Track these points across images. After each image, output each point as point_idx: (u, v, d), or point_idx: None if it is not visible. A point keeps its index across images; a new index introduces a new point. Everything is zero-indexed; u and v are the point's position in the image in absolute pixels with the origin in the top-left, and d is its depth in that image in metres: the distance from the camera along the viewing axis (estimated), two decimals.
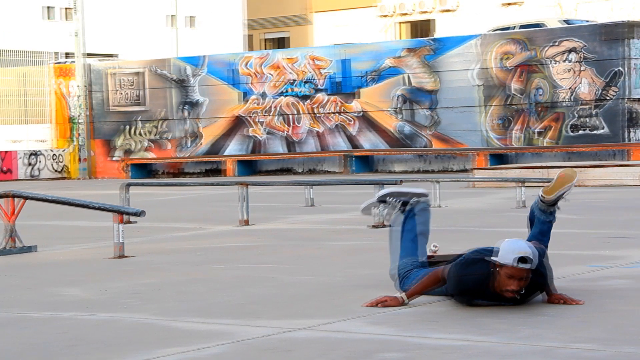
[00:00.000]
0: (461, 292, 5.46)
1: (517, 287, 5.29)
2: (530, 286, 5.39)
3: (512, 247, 5.30)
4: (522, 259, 5.24)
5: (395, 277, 5.99)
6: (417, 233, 6.08)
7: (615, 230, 9.00)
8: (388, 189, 6.21)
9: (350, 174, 21.76)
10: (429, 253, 6.31)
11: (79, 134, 25.44)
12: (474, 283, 5.38)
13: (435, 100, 21.52)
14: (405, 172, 21.86)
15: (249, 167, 23.55)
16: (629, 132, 19.67)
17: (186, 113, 24.52)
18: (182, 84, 24.54)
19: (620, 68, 19.64)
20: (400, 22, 44.38)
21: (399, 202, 6.14)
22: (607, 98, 19.79)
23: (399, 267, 6.00)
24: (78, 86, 25.25)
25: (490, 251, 5.47)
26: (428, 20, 43.47)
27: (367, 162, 22.29)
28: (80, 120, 25.33)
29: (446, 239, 8.75)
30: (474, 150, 20.65)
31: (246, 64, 23.78)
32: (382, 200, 6.20)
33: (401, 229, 6.08)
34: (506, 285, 5.29)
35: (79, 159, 25.50)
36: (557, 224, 10.01)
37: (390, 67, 22.04)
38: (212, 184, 13.64)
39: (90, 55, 28.87)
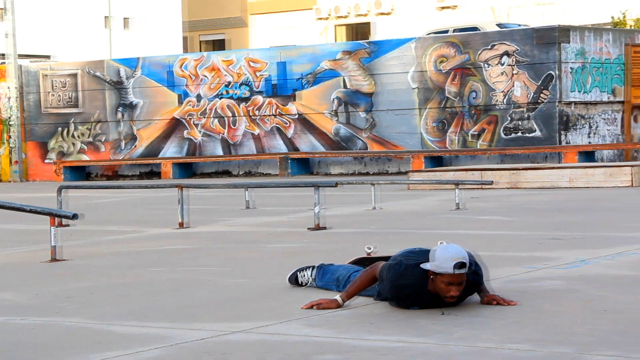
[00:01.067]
0: (397, 298, 5.48)
1: (457, 292, 5.33)
2: (467, 286, 5.44)
3: (447, 255, 5.28)
4: (460, 265, 5.27)
5: (338, 282, 6.05)
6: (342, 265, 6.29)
7: (548, 232, 9.13)
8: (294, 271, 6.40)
9: (288, 176, 21.76)
10: (364, 255, 6.35)
11: (9, 136, 25.06)
12: (410, 290, 5.40)
13: (372, 103, 21.63)
14: (343, 174, 21.93)
15: (186, 169, 23.43)
16: (562, 135, 19.97)
17: (121, 115, 24.31)
18: (117, 85, 24.32)
19: (553, 72, 19.92)
20: (337, 25, 44.51)
21: (309, 269, 6.35)
22: (541, 101, 20.06)
23: (339, 275, 6.06)
24: (9, 87, 24.87)
25: (422, 253, 5.49)
26: (365, 23, 43.68)
27: (304, 165, 22.31)
28: (11, 122, 24.94)
29: (383, 241, 8.80)
30: (410, 153, 20.79)
31: (182, 66, 23.64)
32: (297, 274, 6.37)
33: (328, 268, 6.29)
34: (446, 292, 5.32)
35: (11, 162, 25.11)
36: (490, 225, 10.14)
37: (327, 69, 22.09)
38: (148, 187, 13.52)
39: (24, 56, 28.46)
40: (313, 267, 6.31)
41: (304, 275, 6.32)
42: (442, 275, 5.28)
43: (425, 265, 5.34)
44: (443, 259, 5.27)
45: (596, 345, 4.51)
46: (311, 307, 5.57)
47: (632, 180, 14.76)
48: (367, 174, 21.62)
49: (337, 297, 5.62)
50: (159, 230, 10.70)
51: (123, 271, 7.58)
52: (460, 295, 5.42)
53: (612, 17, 33.31)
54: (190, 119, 23.54)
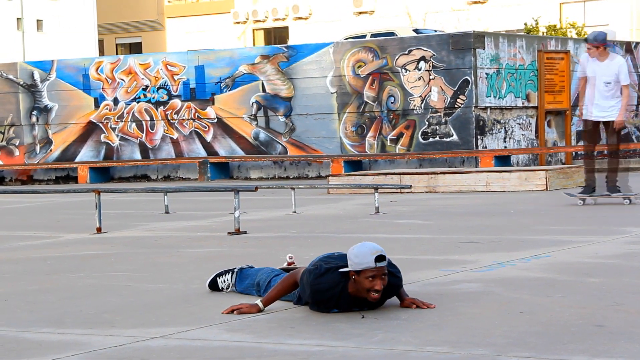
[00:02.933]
0: (317, 302, 5.50)
1: (381, 285, 5.37)
2: (387, 288, 5.49)
3: (364, 251, 5.34)
4: (380, 257, 5.32)
5: (259, 287, 6.04)
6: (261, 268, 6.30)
7: (465, 235, 9.25)
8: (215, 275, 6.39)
9: (207, 181, 21.65)
10: (284, 265, 6.36)
11: None
12: (330, 294, 5.43)
13: (291, 107, 21.66)
14: (262, 178, 21.90)
15: (103, 173, 23.13)
16: (478, 140, 20.26)
17: (36, 119, 23.90)
18: (31, 88, 23.90)
19: (469, 77, 20.20)
20: (254, 29, 44.46)
21: (228, 273, 6.32)
22: (457, 106, 20.32)
23: (259, 280, 6.06)
24: None
25: (340, 257, 5.53)
26: (282, 28, 43.72)
27: (224, 169, 22.21)
28: None
29: (303, 245, 8.82)
30: (329, 157, 20.87)
31: (98, 69, 23.35)
32: (217, 278, 6.35)
33: (247, 271, 6.28)
34: (371, 286, 5.36)
35: None
36: (409, 229, 10.24)
37: (245, 73, 22.04)
38: (64, 191, 13.32)
39: None
40: (233, 272, 6.29)
41: (224, 281, 6.30)
42: (364, 271, 5.32)
43: (344, 269, 5.38)
44: (362, 255, 5.32)
45: (512, 346, 4.59)
46: (231, 311, 5.55)
47: (546, 185, 15.05)
48: (287, 178, 21.64)
49: (258, 301, 5.61)
50: (75, 236, 10.55)
51: (38, 277, 7.45)
52: (381, 297, 5.46)
53: (525, 24, 33.93)
54: (107, 122, 23.26)
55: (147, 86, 22.93)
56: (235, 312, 5.53)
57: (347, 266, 5.40)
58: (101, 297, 6.42)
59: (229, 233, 10.07)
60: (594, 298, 5.76)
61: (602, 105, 11.55)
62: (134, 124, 23.07)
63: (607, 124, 11.66)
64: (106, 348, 4.83)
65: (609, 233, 9.02)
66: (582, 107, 11.87)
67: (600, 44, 11.36)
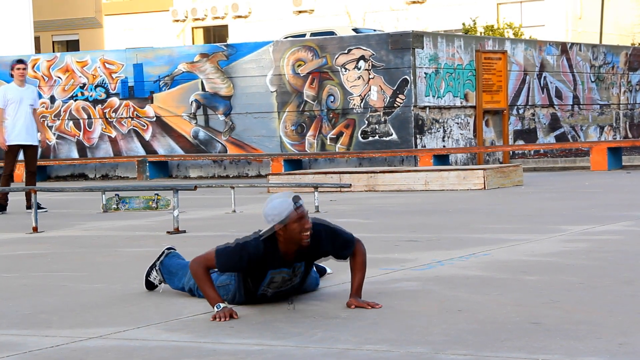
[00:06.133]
0: (253, 269, 5.48)
1: (308, 224, 5.42)
2: (320, 241, 5.54)
3: (279, 201, 5.40)
4: (296, 197, 5.41)
5: (192, 292, 6.02)
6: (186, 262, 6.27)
7: (404, 234, 9.31)
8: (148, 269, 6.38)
9: (146, 180, 21.48)
10: None
11: None
12: (256, 261, 5.44)
13: (231, 106, 21.59)
14: (201, 177, 21.80)
15: (39, 172, 22.72)
16: (417, 139, 20.39)
17: None
18: None
19: (408, 77, 20.32)
20: (194, 27, 44.23)
21: (153, 270, 6.32)
22: (397, 105, 20.43)
23: (190, 287, 6.03)
24: None
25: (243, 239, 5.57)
26: (222, 26, 43.57)
27: (163, 168, 22.06)
28: None
29: None
30: (269, 156, 20.84)
31: (34, 67, 23.04)
32: (149, 274, 6.34)
33: (168, 264, 6.27)
34: (300, 229, 5.39)
35: None
36: (348, 228, 10.25)
37: (185, 72, 21.92)
38: None
39: None
40: (156, 268, 6.29)
41: (155, 277, 6.30)
42: (290, 218, 5.35)
43: (267, 233, 5.41)
44: (280, 206, 5.39)
45: (450, 344, 4.62)
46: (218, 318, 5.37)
47: (484, 183, 15.20)
48: (227, 177, 21.57)
49: (223, 305, 5.41)
50: (11, 235, 10.40)
51: None
52: (308, 259, 5.51)
53: (463, 24, 34.22)
54: (43, 120, 22.95)
55: (84, 84, 22.69)
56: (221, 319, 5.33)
57: (261, 236, 5.42)
58: (37, 297, 6.33)
59: (167, 232, 10.00)
60: (530, 296, 5.83)
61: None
62: (71, 122, 22.81)
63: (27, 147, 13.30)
64: (42, 349, 4.77)
65: (545, 231, 9.14)
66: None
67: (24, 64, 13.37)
